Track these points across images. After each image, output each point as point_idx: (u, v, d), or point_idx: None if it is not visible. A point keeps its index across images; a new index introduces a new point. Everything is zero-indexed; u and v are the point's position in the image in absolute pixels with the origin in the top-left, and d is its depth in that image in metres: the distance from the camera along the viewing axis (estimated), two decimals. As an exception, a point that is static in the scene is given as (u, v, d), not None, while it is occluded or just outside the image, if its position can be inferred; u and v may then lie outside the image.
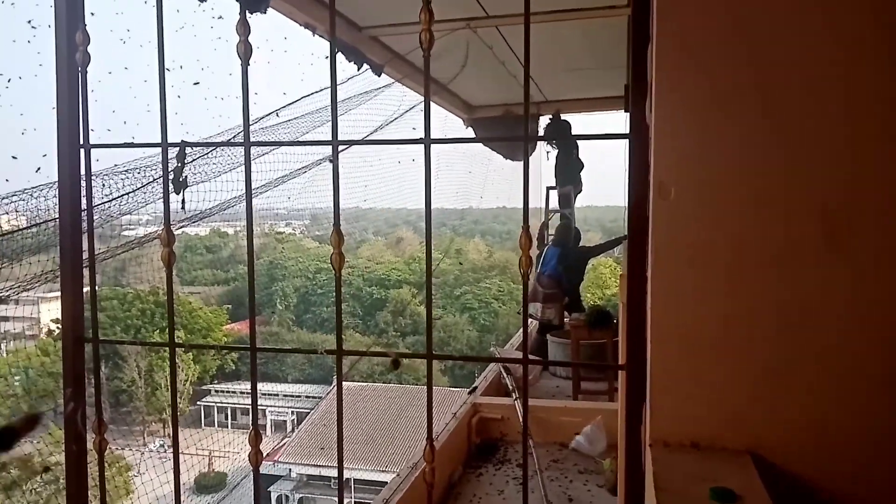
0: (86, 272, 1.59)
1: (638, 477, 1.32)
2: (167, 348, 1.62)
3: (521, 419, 4.86)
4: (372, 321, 39.05)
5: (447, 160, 7.45)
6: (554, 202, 7.83)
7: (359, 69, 5.44)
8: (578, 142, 7.70)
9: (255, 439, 1.48)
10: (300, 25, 4.77)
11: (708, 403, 1.24)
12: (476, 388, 5.66)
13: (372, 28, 5.13)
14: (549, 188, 7.94)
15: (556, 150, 7.72)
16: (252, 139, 1.67)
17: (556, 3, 4.41)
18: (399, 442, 21.73)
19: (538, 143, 7.63)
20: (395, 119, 5.39)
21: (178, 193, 1.40)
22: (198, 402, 33.94)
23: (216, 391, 34.71)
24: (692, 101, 1.18)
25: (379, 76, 5.69)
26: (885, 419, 1.20)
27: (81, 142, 1.52)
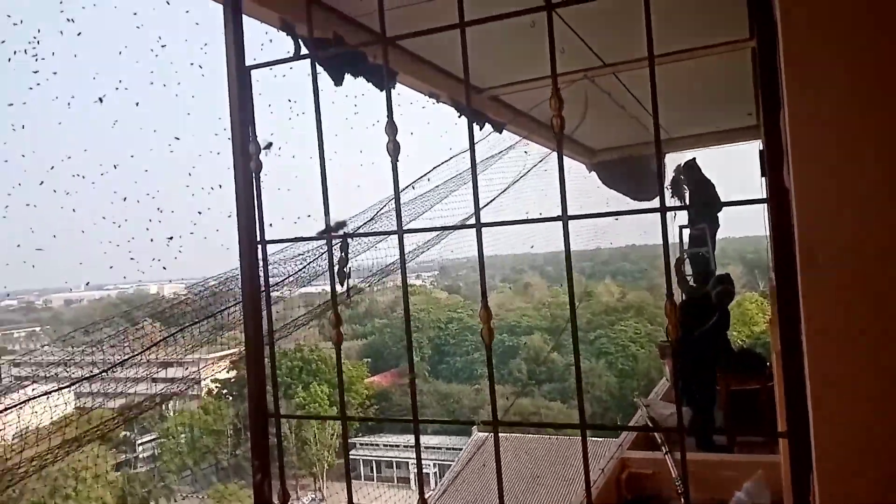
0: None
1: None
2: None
3: (674, 476, 4.65)
4: (505, 369, 38.87)
5: (575, 205, 7.44)
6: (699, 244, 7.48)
7: (480, 129, 5.67)
8: (713, 180, 7.42)
9: (421, 504, 1.57)
10: (425, 95, 5.09)
11: (881, 469, 1.18)
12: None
13: (491, 89, 5.36)
14: (681, 227, 7.69)
15: (689, 191, 7.48)
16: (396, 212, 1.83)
17: (672, 43, 4.39)
18: (545, 498, 21.18)
19: (664, 182, 7.46)
20: (524, 175, 5.52)
21: (342, 284, 1.56)
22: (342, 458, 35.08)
23: (360, 444, 35.72)
24: (833, 162, 1.18)
25: (500, 133, 5.88)
26: None
27: (258, 238, 1.73)
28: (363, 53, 3.62)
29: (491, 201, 4.09)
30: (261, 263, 1.74)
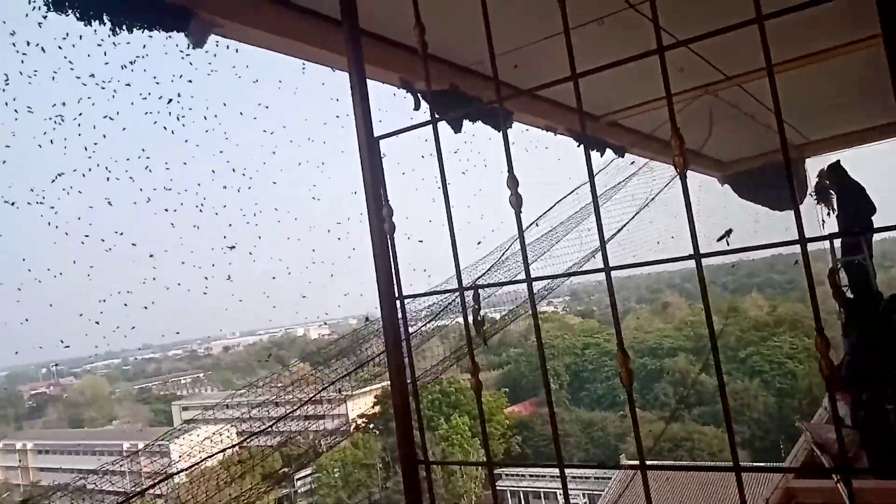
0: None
1: None
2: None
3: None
4: (650, 394, 37.27)
5: (709, 222, 7.13)
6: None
7: (601, 155, 5.62)
8: (862, 183, 6.82)
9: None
10: (542, 129, 5.14)
11: None
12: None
13: (609, 115, 5.31)
14: (832, 235, 7.12)
15: (836, 196, 6.92)
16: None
17: (798, 47, 4.16)
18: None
19: (807, 189, 6.99)
20: (651, 200, 5.39)
21: (477, 333, 1.62)
22: (489, 488, 34.97)
23: (506, 475, 35.48)
24: None
25: (622, 157, 5.79)
26: None
27: (396, 294, 1.84)
28: (479, 99, 3.75)
29: (616, 233, 4.02)
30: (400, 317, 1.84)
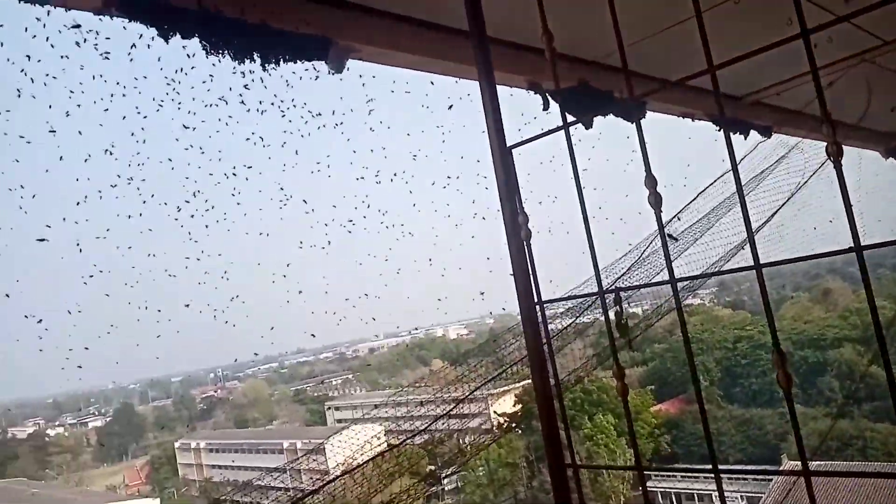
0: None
1: None
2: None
3: None
4: (813, 389, 34.39)
5: (874, 202, 6.49)
6: None
7: (745, 138, 5.29)
8: None
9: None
10: (678, 117, 4.94)
11: None
12: None
13: (750, 94, 4.99)
14: None
15: None
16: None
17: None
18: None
19: None
20: (804, 185, 4.99)
21: (623, 337, 1.61)
22: (638, 489, 33.88)
23: (655, 476, 34.21)
24: None
25: (769, 137, 5.43)
26: None
27: (535, 300, 1.86)
28: (609, 93, 3.67)
29: (766, 221, 3.76)
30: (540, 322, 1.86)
